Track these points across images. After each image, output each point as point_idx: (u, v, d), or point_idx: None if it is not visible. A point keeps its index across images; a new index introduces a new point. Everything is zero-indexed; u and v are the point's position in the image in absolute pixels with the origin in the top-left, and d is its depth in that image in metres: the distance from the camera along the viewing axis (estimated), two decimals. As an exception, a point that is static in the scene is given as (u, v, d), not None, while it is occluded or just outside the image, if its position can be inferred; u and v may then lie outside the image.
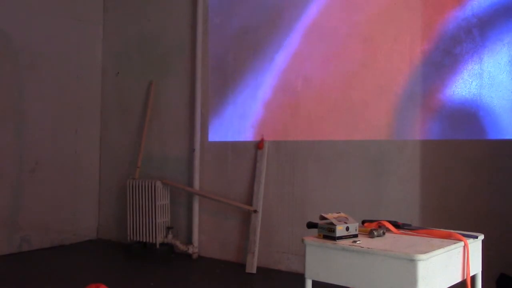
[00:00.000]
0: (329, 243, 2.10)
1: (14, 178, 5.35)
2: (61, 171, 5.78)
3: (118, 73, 6.11)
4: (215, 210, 5.16)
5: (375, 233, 2.20)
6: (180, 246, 5.20)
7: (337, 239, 2.11)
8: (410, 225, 2.50)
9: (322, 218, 2.22)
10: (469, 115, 3.78)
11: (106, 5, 6.26)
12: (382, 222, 2.36)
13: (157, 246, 5.25)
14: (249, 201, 4.86)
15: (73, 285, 4.06)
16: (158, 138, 5.68)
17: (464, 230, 2.33)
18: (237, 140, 5.06)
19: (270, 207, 4.75)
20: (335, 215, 2.22)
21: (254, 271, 4.59)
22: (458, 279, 2.13)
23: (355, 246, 2.03)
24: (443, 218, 3.82)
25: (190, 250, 5.17)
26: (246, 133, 4.99)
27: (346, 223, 2.15)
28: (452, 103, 3.86)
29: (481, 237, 2.29)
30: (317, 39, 4.55)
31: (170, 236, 5.28)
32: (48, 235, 5.60)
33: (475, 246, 2.25)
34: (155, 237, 5.24)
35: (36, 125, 5.53)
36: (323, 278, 2.12)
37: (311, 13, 4.60)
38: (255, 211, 4.72)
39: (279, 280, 4.43)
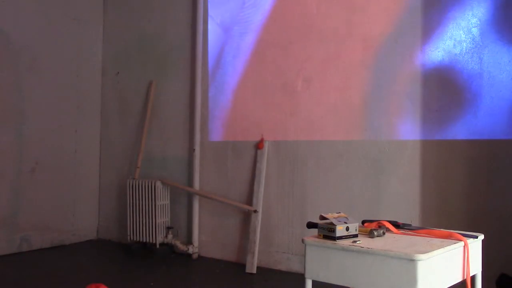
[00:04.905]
0: (329, 243, 2.10)
1: (14, 178, 5.35)
2: (61, 171, 5.77)
3: (118, 73, 6.11)
4: (215, 210, 5.16)
5: (375, 233, 2.20)
6: (180, 246, 5.20)
7: (337, 239, 2.11)
8: (410, 225, 2.50)
9: (322, 218, 2.22)
10: (469, 115, 3.78)
11: (106, 5, 6.26)
12: (382, 222, 2.36)
13: (157, 246, 5.25)
14: (249, 201, 4.86)
15: (73, 285, 4.06)
16: (158, 138, 5.68)
17: (464, 230, 2.33)
18: (237, 140, 5.06)
19: (270, 207, 4.75)
20: (335, 215, 2.22)
21: (254, 271, 4.59)
22: (458, 279, 2.13)
23: (355, 246, 2.03)
24: (443, 218, 3.82)
25: (190, 250, 5.17)
26: (246, 133, 4.99)
27: (346, 223, 2.15)
28: (452, 103, 3.85)
29: (481, 237, 2.29)
30: (317, 39, 4.55)
31: (170, 236, 5.28)
32: (48, 235, 5.60)
33: (475, 246, 2.26)
34: (155, 237, 5.24)
35: (36, 125, 5.52)
36: (323, 278, 2.12)
37: (311, 13, 4.60)
38: (255, 211, 4.72)
39: (279, 280, 4.43)
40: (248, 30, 5.01)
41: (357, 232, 2.18)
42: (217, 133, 5.22)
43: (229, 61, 5.14)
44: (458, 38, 3.84)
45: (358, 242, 2.07)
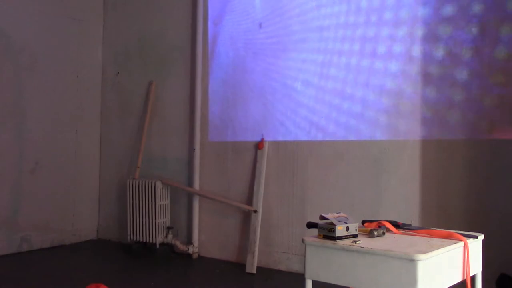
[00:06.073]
0: (329, 243, 2.10)
1: (14, 178, 5.35)
2: (61, 171, 5.78)
3: (118, 73, 6.11)
4: (215, 210, 5.16)
5: (375, 233, 2.20)
6: (180, 246, 5.20)
7: (337, 239, 2.11)
8: (410, 225, 2.50)
9: (322, 218, 2.22)
10: (469, 115, 3.78)
11: (106, 5, 6.26)
12: (382, 222, 2.36)
13: (157, 246, 5.25)
14: (249, 201, 4.86)
15: (73, 285, 4.06)
16: (158, 138, 5.68)
17: (464, 230, 2.33)
18: (237, 140, 5.06)
19: (270, 207, 4.75)
20: (335, 215, 2.22)
21: (254, 271, 4.59)
22: (458, 279, 2.13)
23: (355, 246, 2.03)
24: (443, 218, 3.82)
25: (190, 250, 5.17)
26: (246, 133, 4.99)
27: (346, 223, 2.15)
28: (452, 103, 3.85)
29: (481, 237, 2.29)
30: (317, 39, 4.55)
31: (170, 236, 5.28)
32: (48, 235, 5.60)
33: (475, 246, 2.26)
34: (155, 237, 5.24)
35: (36, 125, 5.53)
36: (323, 278, 2.12)
37: (311, 13, 4.59)
38: (255, 211, 4.72)
39: (279, 280, 4.43)
40: (248, 30, 5.01)
41: (357, 232, 2.18)
42: (217, 133, 5.22)
43: (229, 60, 5.13)
44: (458, 38, 3.84)
45: (358, 242, 2.07)
